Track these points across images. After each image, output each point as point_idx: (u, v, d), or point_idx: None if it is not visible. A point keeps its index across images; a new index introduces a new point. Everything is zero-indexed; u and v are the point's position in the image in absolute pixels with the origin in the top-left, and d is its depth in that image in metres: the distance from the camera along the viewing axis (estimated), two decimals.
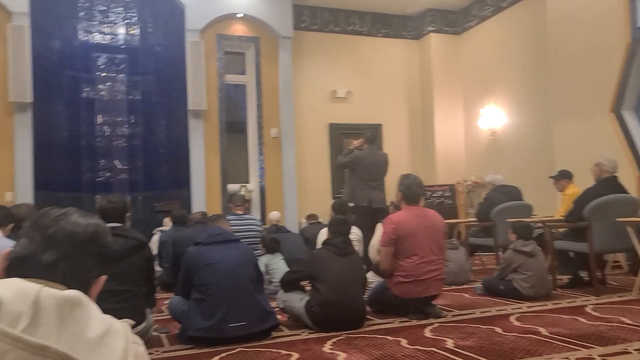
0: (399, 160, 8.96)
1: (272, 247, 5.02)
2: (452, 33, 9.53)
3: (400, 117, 9.62)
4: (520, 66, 8.13)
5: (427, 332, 3.17)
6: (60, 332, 0.77)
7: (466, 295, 4.50)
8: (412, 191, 3.79)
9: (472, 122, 9.18)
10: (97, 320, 0.86)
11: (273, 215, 7.22)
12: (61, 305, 0.79)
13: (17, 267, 0.93)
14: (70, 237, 0.99)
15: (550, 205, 6.53)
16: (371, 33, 9.47)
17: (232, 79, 8.32)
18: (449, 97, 9.41)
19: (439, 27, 9.46)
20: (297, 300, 3.45)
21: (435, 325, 3.36)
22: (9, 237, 3.19)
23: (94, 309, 0.89)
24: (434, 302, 3.71)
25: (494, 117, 8.66)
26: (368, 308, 3.68)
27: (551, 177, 5.79)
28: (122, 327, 0.91)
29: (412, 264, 3.57)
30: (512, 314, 3.59)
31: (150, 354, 2.96)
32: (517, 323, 3.33)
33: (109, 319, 0.89)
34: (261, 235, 5.42)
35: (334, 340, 3.07)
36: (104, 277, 1.05)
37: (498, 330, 3.15)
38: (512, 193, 6.09)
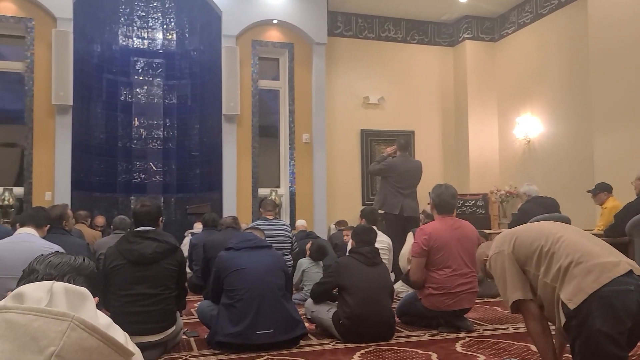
0: (431, 168, 8.85)
1: (317, 256, 4.98)
2: (488, 40, 9.39)
3: (433, 124, 9.52)
4: (559, 74, 7.94)
5: (459, 347, 3.10)
6: (75, 312, 0.90)
7: (498, 308, 4.39)
8: (443, 201, 3.72)
9: (507, 130, 9.00)
10: (101, 314, 1.01)
11: (300, 222, 7.27)
12: (69, 293, 0.94)
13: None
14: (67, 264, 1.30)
15: (589, 219, 6.34)
16: (406, 40, 9.41)
17: (266, 84, 8.39)
18: (484, 104, 9.26)
19: (475, 34, 9.33)
20: (325, 312, 3.42)
21: (467, 339, 3.28)
22: (44, 237, 3.28)
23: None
24: (465, 316, 3.63)
25: (530, 125, 8.47)
26: (397, 319, 3.63)
27: (589, 192, 5.62)
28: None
29: (444, 276, 3.50)
30: None
31: (178, 357, 2.99)
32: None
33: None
34: (291, 241, 5.42)
35: (362, 351, 3.03)
36: (96, 299, 1.22)
37: (533, 348, 3.05)
38: (548, 205, 5.93)
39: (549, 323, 2.22)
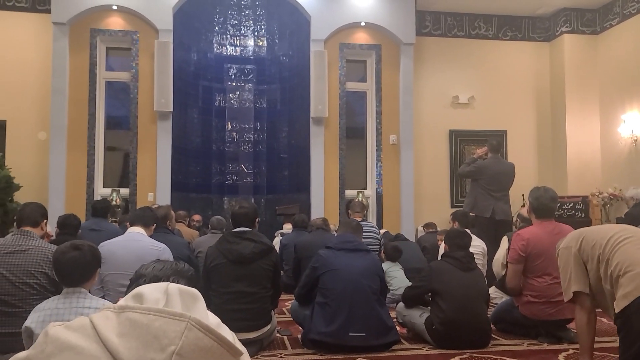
0: (525, 169, 8.46)
1: (393, 255, 5.00)
2: (589, 33, 8.82)
3: (527, 123, 9.09)
4: None
5: (561, 359, 2.95)
6: (189, 312, 0.93)
7: (604, 320, 4.12)
8: (542, 204, 3.54)
9: (611, 128, 8.40)
10: (211, 314, 1.04)
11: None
12: (182, 294, 0.97)
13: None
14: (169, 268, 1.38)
15: None
16: (497, 37, 9.07)
17: (353, 86, 8.43)
18: (583, 102, 8.71)
19: (574, 27, 8.79)
20: (417, 316, 3.39)
21: (570, 351, 3.12)
22: (151, 236, 3.52)
23: None
24: (568, 326, 3.44)
25: (638, 123, 7.85)
26: (492, 326, 3.52)
27: None
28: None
29: (544, 283, 3.35)
30: None
31: (273, 355, 3.09)
32: None
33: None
34: (379, 242, 5.42)
35: (457, 358, 2.98)
36: None
37: None
38: None
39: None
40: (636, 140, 7.88)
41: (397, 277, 4.83)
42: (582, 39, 8.79)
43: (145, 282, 1.27)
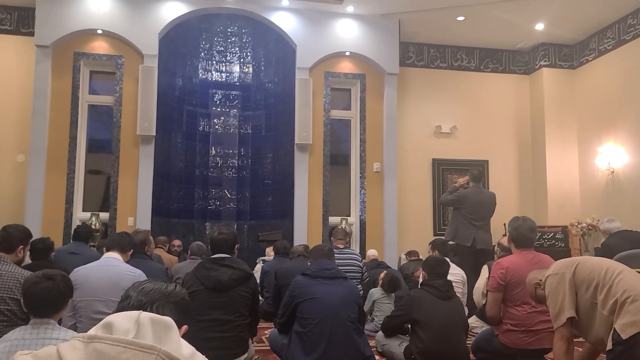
0: (507, 198, 8.56)
1: (389, 288, 4.91)
2: (567, 67, 9.07)
3: (508, 153, 9.24)
4: None
5: None
6: (160, 343, 0.93)
7: (580, 349, 4.11)
8: (521, 234, 3.57)
9: (589, 160, 8.57)
10: (185, 343, 1.03)
11: (371, 252, 7.23)
12: (155, 324, 0.96)
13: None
14: (158, 291, 1.34)
15: None
16: (479, 68, 9.28)
17: (337, 114, 8.50)
18: (562, 133, 8.90)
19: (553, 61, 9.04)
20: (396, 346, 3.36)
21: None
22: (128, 262, 3.45)
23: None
24: (546, 356, 3.44)
25: (614, 155, 8.02)
26: (472, 356, 3.50)
27: None
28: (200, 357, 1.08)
29: (523, 312, 3.35)
30: None
31: None
32: None
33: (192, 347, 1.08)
34: (361, 270, 5.38)
35: None
36: (185, 327, 1.27)
37: None
38: (635, 239, 5.50)
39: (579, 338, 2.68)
40: (612, 172, 8.03)
41: (383, 311, 4.75)
42: (560, 73, 9.03)
43: (130, 305, 1.27)
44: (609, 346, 2.34)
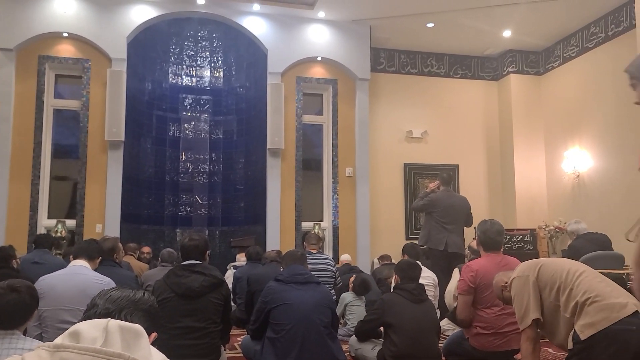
0: (476, 202, 8.63)
1: (360, 291, 4.93)
2: (533, 74, 9.29)
3: (477, 158, 9.40)
4: (610, 107, 7.73)
5: None
6: (129, 351, 0.91)
7: (550, 350, 4.21)
8: (489, 238, 3.61)
9: (555, 164, 8.78)
10: (155, 351, 1.02)
11: (344, 257, 7.24)
12: (124, 331, 0.94)
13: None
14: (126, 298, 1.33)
15: None
16: (449, 74, 9.43)
17: (310, 119, 8.51)
18: (530, 138, 9.10)
19: (520, 67, 9.25)
20: (369, 350, 3.37)
21: None
22: (96, 269, 3.37)
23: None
24: (516, 357, 3.49)
25: (579, 159, 8.24)
26: (444, 359, 3.53)
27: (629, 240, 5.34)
28: None
29: (492, 315, 3.39)
30: None
31: None
32: None
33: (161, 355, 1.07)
34: (334, 275, 5.38)
35: None
36: (155, 334, 1.24)
37: None
38: (600, 241, 5.67)
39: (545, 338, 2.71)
40: (578, 175, 8.25)
41: (355, 313, 4.77)
42: (527, 79, 9.25)
43: (97, 313, 1.24)
44: (569, 346, 2.40)
